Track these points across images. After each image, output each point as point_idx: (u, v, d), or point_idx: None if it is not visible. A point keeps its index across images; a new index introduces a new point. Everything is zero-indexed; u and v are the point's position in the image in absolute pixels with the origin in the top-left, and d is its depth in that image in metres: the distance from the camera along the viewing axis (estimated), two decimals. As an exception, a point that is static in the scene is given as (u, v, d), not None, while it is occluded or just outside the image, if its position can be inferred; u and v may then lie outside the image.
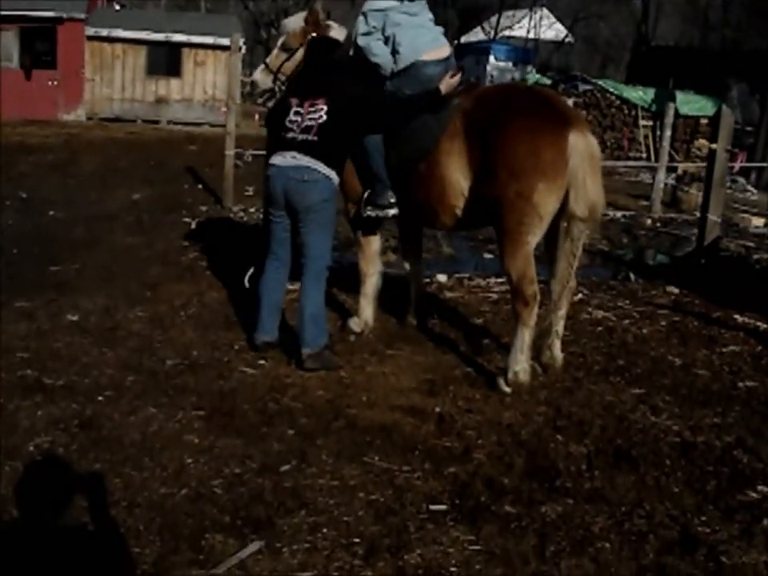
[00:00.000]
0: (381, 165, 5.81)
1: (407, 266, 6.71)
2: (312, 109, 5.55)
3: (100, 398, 4.97)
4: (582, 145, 5.17)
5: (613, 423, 4.96)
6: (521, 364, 5.32)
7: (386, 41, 5.74)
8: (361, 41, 5.78)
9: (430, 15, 5.99)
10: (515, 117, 5.27)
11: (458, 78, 5.65)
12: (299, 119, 5.57)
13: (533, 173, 5.13)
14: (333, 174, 5.58)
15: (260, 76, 6.30)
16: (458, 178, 5.51)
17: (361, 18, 5.81)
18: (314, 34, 6.03)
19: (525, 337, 5.31)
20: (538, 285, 5.33)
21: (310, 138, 5.51)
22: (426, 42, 5.79)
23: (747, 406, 5.35)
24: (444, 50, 5.88)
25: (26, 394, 4.97)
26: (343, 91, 5.62)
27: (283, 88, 6.16)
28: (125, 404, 4.91)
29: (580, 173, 5.16)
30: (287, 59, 6.18)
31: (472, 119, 5.44)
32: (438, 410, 5.01)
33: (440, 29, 6.07)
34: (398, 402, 5.11)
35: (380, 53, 5.74)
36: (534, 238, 5.31)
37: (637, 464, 4.45)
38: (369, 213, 5.94)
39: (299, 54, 6.12)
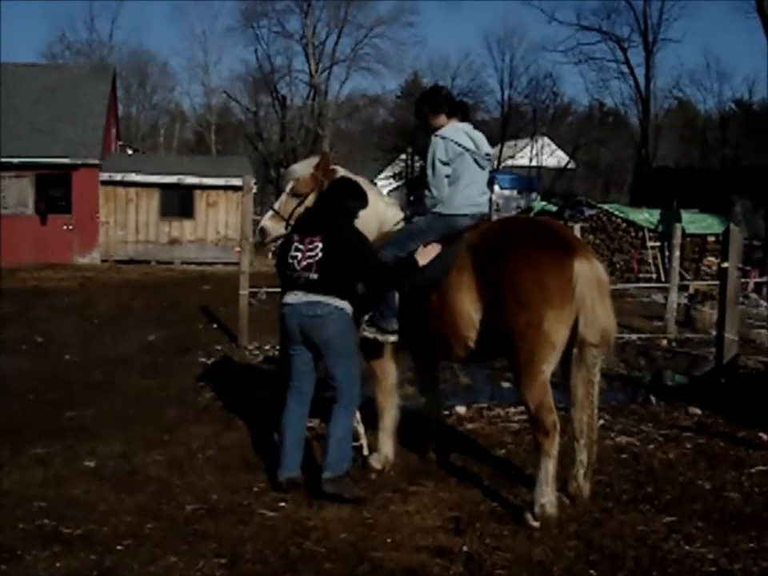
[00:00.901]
0: (392, 294, 5.86)
1: (425, 398, 6.67)
2: (311, 246, 5.66)
3: (119, 547, 4.87)
4: (587, 270, 5.21)
5: (646, 554, 4.80)
6: (547, 496, 5.20)
7: (448, 176, 5.89)
8: (438, 168, 5.86)
9: (488, 173, 6.15)
10: (518, 249, 5.34)
11: (436, 249, 5.74)
12: (300, 255, 5.67)
13: (540, 302, 5.16)
14: (345, 305, 5.66)
15: (269, 223, 6.33)
16: (468, 310, 5.55)
17: (441, 142, 5.88)
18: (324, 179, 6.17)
19: (549, 468, 5.22)
20: (557, 413, 5.27)
21: (311, 276, 5.62)
22: (479, 205, 6.00)
23: (782, 528, 5.18)
24: (485, 209, 6.09)
25: (44, 544, 4.88)
26: (338, 231, 5.71)
27: None
28: (144, 553, 4.80)
29: (588, 298, 5.18)
30: (298, 205, 6.24)
31: (479, 253, 5.53)
32: (465, 549, 4.86)
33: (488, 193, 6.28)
34: (424, 542, 4.97)
35: (440, 193, 5.88)
36: (549, 366, 5.29)
37: (674, 597, 4.30)
38: (368, 334, 5.95)
39: (310, 200, 6.20)
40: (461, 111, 6.17)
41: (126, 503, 5.57)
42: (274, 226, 6.31)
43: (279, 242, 6.37)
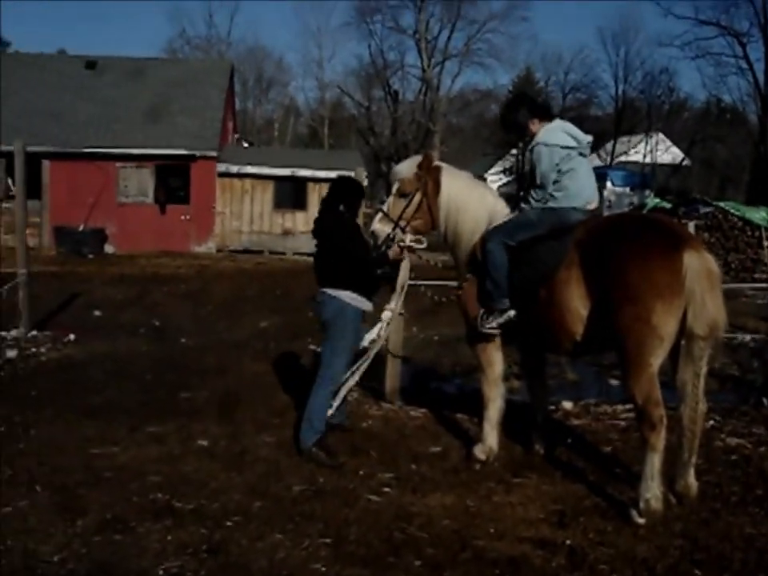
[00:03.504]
0: (503, 277, 5.90)
1: (531, 392, 6.65)
2: (315, 246, 6.51)
3: (228, 523, 5.04)
4: (696, 263, 5.11)
5: (754, 557, 4.69)
6: (652, 491, 5.15)
7: (557, 175, 5.87)
8: (547, 177, 5.85)
9: (589, 160, 6.12)
10: (627, 242, 5.30)
11: (404, 257, 6.40)
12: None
13: (649, 295, 5.10)
14: (339, 293, 6.29)
15: (379, 225, 6.43)
16: (576, 305, 5.53)
17: (545, 150, 5.87)
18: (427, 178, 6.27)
19: (654, 462, 5.16)
20: (664, 408, 5.20)
21: (315, 268, 6.49)
22: (589, 196, 5.98)
23: None
24: (595, 203, 6.04)
25: (157, 517, 5.10)
26: (325, 231, 6.40)
27: (405, 234, 6.34)
28: (252, 530, 4.96)
29: (698, 290, 5.08)
30: (407, 206, 6.33)
31: (587, 248, 5.51)
32: (568, 542, 4.85)
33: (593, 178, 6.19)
34: (527, 533, 4.98)
35: (547, 194, 5.88)
36: (657, 359, 5.22)
37: (783, 603, 4.19)
38: (487, 324, 6.02)
39: (417, 198, 6.30)
40: (547, 111, 6.20)
41: (236, 481, 5.75)
42: (383, 228, 6.41)
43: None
